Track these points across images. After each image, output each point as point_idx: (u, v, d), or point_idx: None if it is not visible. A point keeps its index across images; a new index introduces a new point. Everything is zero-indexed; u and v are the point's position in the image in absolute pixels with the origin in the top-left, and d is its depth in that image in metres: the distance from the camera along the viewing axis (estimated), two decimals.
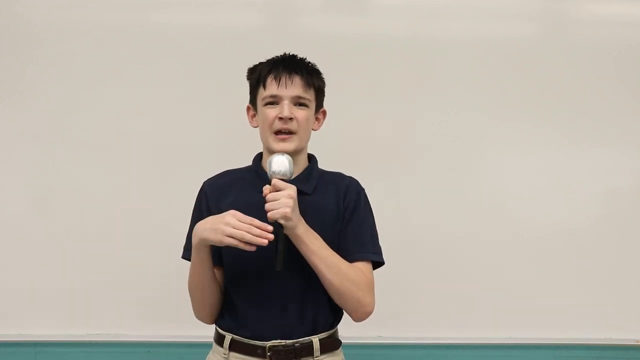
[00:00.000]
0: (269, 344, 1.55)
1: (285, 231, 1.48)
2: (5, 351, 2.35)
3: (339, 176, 1.69)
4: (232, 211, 1.49)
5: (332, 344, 1.62)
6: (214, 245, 1.52)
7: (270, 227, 1.46)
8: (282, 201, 1.46)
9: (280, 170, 1.51)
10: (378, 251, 1.64)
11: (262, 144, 1.66)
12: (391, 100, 2.37)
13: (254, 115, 1.68)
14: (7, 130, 2.35)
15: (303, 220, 1.51)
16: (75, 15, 2.37)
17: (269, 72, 1.61)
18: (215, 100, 2.33)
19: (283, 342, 1.55)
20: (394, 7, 2.38)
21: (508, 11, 2.40)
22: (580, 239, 2.38)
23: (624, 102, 2.39)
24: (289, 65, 1.61)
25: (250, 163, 1.70)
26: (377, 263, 1.63)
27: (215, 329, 1.67)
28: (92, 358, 2.35)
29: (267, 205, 1.47)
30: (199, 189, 1.70)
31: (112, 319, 2.34)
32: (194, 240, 1.53)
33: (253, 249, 1.45)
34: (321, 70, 1.68)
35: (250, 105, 1.69)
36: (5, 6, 2.36)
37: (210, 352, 1.67)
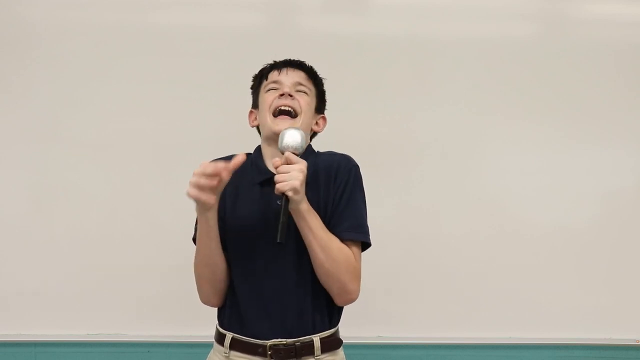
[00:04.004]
0: (269, 342, 1.55)
1: (290, 205, 1.46)
2: (5, 351, 2.35)
3: (330, 157, 1.66)
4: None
5: (332, 343, 1.61)
6: (220, 235, 1.54)
7: (222, 164, 1.43)
8: (293, 174, 1.44)
9: (292, 144, 1.49)
10: (364, 231, 1.61)
11: (260, 141, 1.67)
12: (391, 99, 2.37)
13: (255, 118, 1.70)
14: (8, 129, 2.35)
15: (306, 198, 1.50)
16: (75, 15, 2.37)
17: (271, 68, 1.67)
18: (215, 100, 2.33)
19: (284, 341, 1.55)
20: (394, 7, 2.38)
21: (508, 11, 2.40)
22: (580, 239, 2.38)
23: (624, 102, 2.40)
24: (291, 62, 1.67)
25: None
26: (364, 245, 1.61)
27: (216, 328, 1.67)
28: (92, 358, 2.35)
29: (278, 177, 1.45)
30: None
31: (112, 319, 2.34)
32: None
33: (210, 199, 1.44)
34: (321, 70, 1.69)
35: (253, 110, 1.71)
36: (5, 6, 2.36)
37: (211, 351, 1.67)
